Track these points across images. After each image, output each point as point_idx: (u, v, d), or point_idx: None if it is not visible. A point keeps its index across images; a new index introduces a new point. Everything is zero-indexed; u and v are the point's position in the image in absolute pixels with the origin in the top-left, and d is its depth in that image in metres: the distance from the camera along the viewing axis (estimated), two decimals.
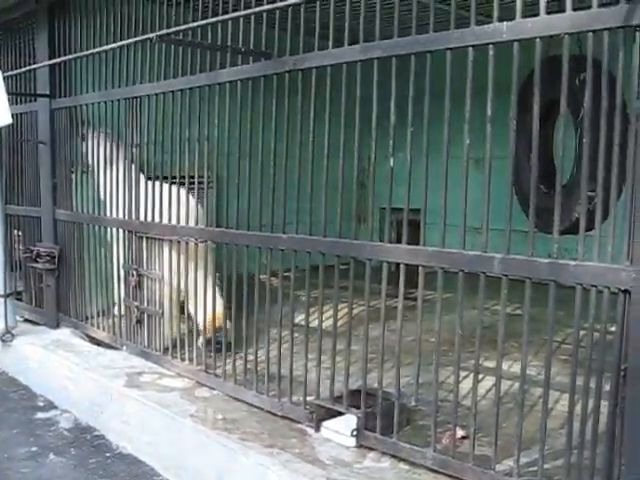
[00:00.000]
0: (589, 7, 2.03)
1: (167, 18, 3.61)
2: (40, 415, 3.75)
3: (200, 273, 3.53)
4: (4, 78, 4.30)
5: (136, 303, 4.02)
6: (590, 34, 2.04)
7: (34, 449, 3.30)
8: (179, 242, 3.65)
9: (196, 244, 3.56)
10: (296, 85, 2.90)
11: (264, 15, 2.98)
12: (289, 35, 2.93)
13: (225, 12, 3.18)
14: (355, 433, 2.75)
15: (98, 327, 4.49)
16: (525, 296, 2.25)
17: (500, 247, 2.30)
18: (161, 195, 3.77)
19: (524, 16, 2.19)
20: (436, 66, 2.44)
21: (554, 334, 2.30)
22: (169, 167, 3.72)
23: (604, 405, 2.09)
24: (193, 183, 3.54)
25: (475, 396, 2.43)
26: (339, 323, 2.91)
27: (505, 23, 2.22)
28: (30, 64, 4.79)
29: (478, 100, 2.32)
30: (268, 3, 2.88)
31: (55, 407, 3.85)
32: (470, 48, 2.32)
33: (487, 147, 2.33)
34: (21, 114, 5.02)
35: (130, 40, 3.45)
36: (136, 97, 3.91)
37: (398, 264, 2.61)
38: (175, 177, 3.76)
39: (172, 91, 3.63)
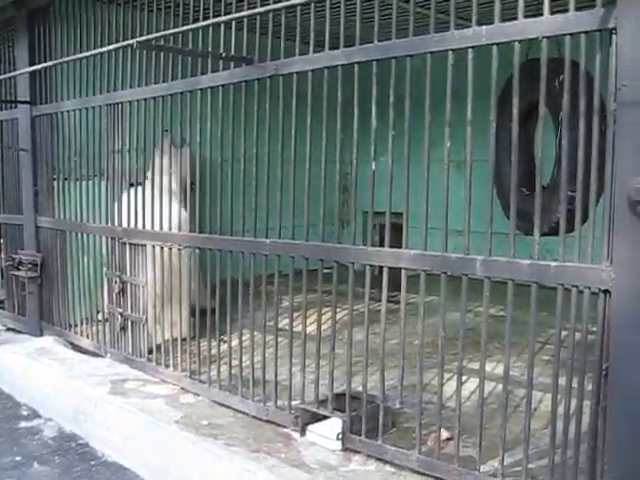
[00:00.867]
0: (566, 11, 2.06)
1: (148, 24, 3.61)
2: (24, 424, 3.71)
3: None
4: None
5: (120, 310, 4.01)
6: (568, 37, 2.07)
7: (18, 458, 3.26)
8: (162, 248, 3.64)
9: (179, 250, 3.55)
10: (277, 90, 2.91)
11: (245, 20, 2.98)
12: (270, 40, 2.93)
13: (206, 18, 3.18)
14: (340, 436, 2.76)
15: (82, 334, 4.47)
16: (507, 297, 2.27)
17: (482, 249, 2.32)
18: (144, 201, 3.76)
19: (503, 20, 2.22)
20: (417, 70, 2.46)
21: (537, 335, 2.32)
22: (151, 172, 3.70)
23: (586, 405, 2.11)
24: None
25: (459, 398, 2.45)
26: (323, 327, 2.92)
27: (484, 27, 2.25)
28: (10, 71, 4.77)
29: (459, 103, 2.35)
30: (249, 8, 2.89)
31: (39, 416, 3.81)
32: (450, 52, 2.34)
33: (467, 150, 2.35)
34: (1, 121, 5.01)
35: (111, 47, 3.44)
36: (117, 103, 3.91)
37: (381, 267, 2.62)
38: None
39: (154, 97, 3.63)
